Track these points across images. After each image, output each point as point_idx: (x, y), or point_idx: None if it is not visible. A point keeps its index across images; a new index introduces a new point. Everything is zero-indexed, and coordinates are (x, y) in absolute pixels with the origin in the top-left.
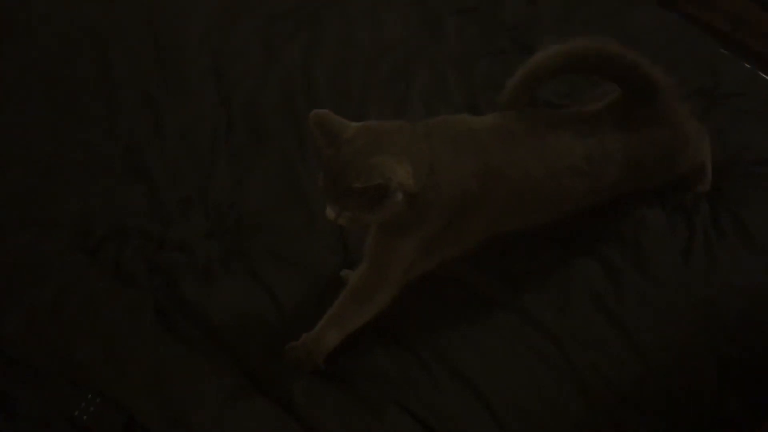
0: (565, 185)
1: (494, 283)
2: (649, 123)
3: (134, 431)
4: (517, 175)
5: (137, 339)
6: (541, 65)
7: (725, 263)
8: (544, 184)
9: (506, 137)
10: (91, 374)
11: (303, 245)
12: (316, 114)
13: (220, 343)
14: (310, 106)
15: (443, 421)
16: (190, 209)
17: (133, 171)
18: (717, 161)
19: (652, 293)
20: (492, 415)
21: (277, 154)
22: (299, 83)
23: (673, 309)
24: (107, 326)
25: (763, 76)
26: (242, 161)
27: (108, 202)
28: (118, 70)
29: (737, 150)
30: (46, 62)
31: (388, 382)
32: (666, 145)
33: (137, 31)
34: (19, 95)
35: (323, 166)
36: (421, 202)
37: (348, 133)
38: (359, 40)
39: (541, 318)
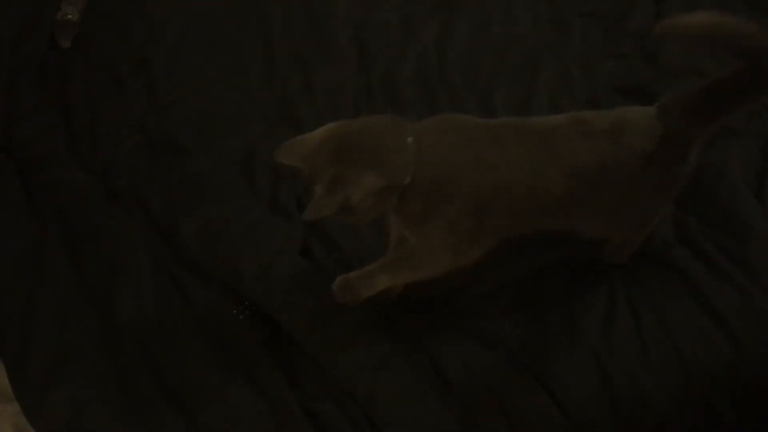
0: (572, 186)
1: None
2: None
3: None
4: (528, 173)
5: (287, 267)
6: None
7: None
8: (554, 184)
9: (517, 134)
10: (247, 288)
11: None
12: (277, 153)
13: None
14: (443, 81)
15: (562, 386)
16: None
17: (285, 119)
18: None
19: (756, 293)
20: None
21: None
22: (433, 61)
23: None
24: (264, 251)
25: None
26: None
27: (264, 142)
28: (275, 32)
29: None
30: (213, 19)
31: (522, 350)
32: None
33: (293, 2)
34: (191, 43)
35: (300, 182)
36: (423, 190)
37: (314, 143)
38: (491, 29)
39: (646, 303)
